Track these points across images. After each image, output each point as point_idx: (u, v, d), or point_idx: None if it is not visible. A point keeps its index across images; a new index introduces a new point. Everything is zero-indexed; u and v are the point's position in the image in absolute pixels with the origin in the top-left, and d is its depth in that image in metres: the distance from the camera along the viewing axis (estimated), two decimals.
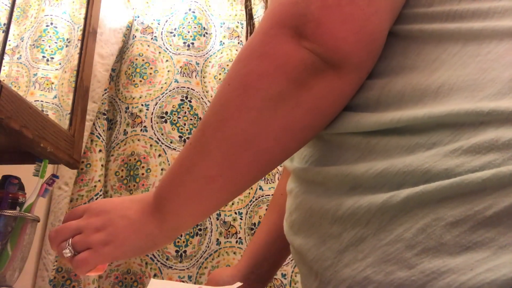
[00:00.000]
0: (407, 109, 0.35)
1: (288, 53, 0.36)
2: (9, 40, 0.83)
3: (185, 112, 1.48)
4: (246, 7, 0.72)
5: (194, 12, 1.60)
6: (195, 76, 1.54)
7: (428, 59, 0.36)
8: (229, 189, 0.41)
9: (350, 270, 0.34)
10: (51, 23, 1.02)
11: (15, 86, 0.87)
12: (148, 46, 1.54)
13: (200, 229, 1.36)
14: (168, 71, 1.52)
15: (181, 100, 1.48)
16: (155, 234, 0.46)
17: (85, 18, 1.09)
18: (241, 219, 1.39)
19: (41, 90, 0.96)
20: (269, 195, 1.38)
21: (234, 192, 0.42)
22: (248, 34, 0.74)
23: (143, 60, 1.52)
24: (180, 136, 1.45)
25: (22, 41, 0.91)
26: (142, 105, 1.46)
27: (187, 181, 0.42)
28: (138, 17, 1.59)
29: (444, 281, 0.28)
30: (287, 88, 0.36)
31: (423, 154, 0.32)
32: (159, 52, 1.55)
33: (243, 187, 0.42)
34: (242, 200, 1.40)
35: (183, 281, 1.27)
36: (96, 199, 1.29)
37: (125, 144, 1.42)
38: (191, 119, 1.48)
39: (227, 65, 1.57)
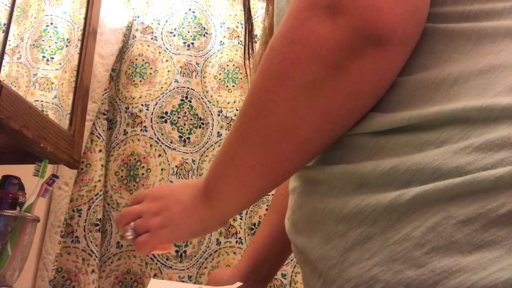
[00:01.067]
0: (418, 107, 0.34)
1: (322, 35, 0.33)
2: (9, 40, 0.83)
3: (185, 112, 1.48)
4: (244, 5, 0.71)
5: (194, 12, 1.60)
6: (195, 76, 1.54)
7: (440, 58, 0.35)
8: (270, 177, 0.41)
9: (356, 269, 0.33)
10: (51, 23, 1.02)
11: (15, 86, 0.87)
12: (148, 46, 1.54)
13: None
14: (168, 71, 1.52)
15: (181, 100, 1.48)
16: (206, 219, 0.48)
17: (85, 18, 1.09)
18: (241, 219, 1.39)
19: (41, 90, 0.96)
20: (269, 195, 1.38)
21: (276, 180, 0.42)
22: (246, 33, 0.74)
23: (143, 60, 1.52)
24: (180, 136, 1.45)
25: (22, 41, 0.91)
26: (142, 105, 1.46)
27: (229, 169, 0.43)
28: (138, 17, 1.59)
29: (456, 280, 0.28)
30: (322, 74, 0.34)
31: (432, 151, 0.32)
32: (159, 52, 1.55)
33: (284, 175, 0.42)
34: None
35: (183, 281, 1.27)
36: (96, 199, 1.30)
37: (125, 144, 1.42)
38: (191, 119, 1.48)
39: (227, 65, 1.57)
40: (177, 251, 1.31)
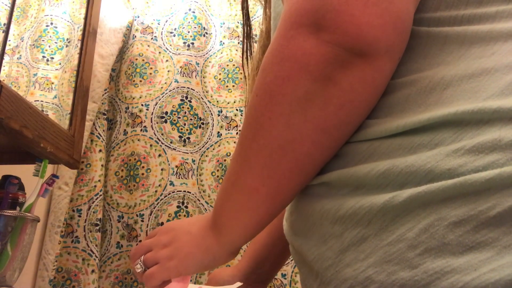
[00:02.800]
0: (412, 112, 0.35)
1: (308, 51, 0.35)
2: (9, 40, 0.83)
3: (185, 112, 1.48)
4: (243, 8, 0.71)
5: (194, 12, 1.60)
6: (195, 76, 1.54)
7: (433, 62, 0.36)
8: (274, 198, 0.41)
9: (351, 270, 0.33)
10: (51, 23, 1.02)
11: (15, 86, 0.87)
12: (148, 46, 1.54)
13: None
14: (168, 71, 1.52)
15: (181, 100, 1.48)
16: (214, 249, 0.47)
17: (85, 18, 1.09)
18: None
19: (41, 90, 0.96)
20: None
21: (281, 202, 0.42)
22: (245, 35, 0.74)
23: (143, 60, 1.52)
24: (180, 136, 1.45)
25: (22, 41, 0.91)
26: (142, 105, 1.46)
27: (233, 194, 0.43)
28: (138, 17, 1.59)
29: (447, 281, 0.28)
30: (313, 88, 0.35)
31: (425, 153, 0.32)
32: (159, 52, 1.55)
33: (289, 195, 0.41)
34: None
35: None
36: (96, 199, 1.30)
37: (125, 144, 1.42)
38: (191, 119, 1.48)
39: (227, 65, 1.57)
40: None
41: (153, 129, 1.43)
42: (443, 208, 0.30)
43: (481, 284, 0.27)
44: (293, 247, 0.45)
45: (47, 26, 1.01)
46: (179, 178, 1.39)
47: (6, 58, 0.82)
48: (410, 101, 0.35)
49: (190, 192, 1.39)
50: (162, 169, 1.39)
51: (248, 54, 0.74)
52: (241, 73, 1.55)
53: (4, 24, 0.80)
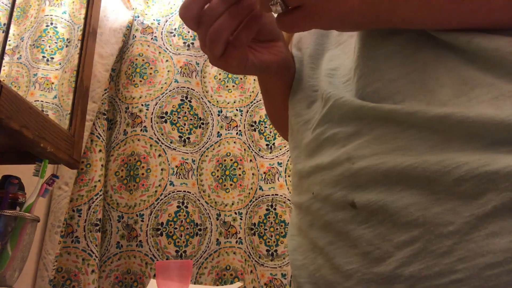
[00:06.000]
0: None
1: None
2: (9, 40, 0.83)
3: (185, 112, 1.48)
4: None
5: None
6: (195, 76, 1.54)
7: None
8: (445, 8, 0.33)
9: (503, 241, 0.27)
10: (51, 23, 1.02)
11: (15, 86, 0.87)
12: (148, 46, 1.54)
13: (200, 229, 1.36)
14: (168, 71, 1.52)
15: (181, 100, 1.48)
16: (355, 4, 0.36)
17: (85, 18, 1.09)
18: (241, 219, 1.39)
19: (41, 90, 0.96)
20: (269, 195, 1.38)
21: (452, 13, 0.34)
22: None
23: (143, 60, 1.52)
24: (180, 136, 1.45)
25: (22, 41, 0.91)
26: (142, 105, 1.46)
27: None
28: (138, 17, 1.59)
29: None
30: None
31: None
32: (159, 52, 1.55)
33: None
34: (242, 200, 1.40)
35: None
36: (96, 199, 1.30)
37: (125, 144, 1.42)
38: (191, 119, 1.48)
39: None
40: (177, 251, 1.31)
41: (153, 129, 1.43)
42: None
43: None
44: (349, 206, 0.37)
45: (47, 26, 1.01)
46: (179, 178, 1.39)
47: (6, 58, 0.82)
48: None
49: (190, 192, 1.39)
50: (162, 169, 1.39)
51: None
52: None
53: (4, 24, 0.80)
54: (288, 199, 1.36)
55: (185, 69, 1.52)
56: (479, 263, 0.28)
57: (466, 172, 0.30)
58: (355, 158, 0.37)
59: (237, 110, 1.52)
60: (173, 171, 1.39)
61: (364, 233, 0.34)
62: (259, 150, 1.45)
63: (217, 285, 1.31)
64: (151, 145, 1.41)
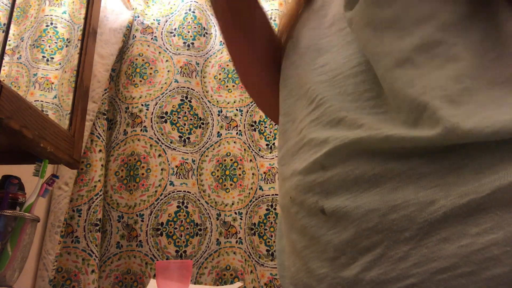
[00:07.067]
0: None
1: None
2: (9, 40, 0.83)
3: (185, 112, 1.48)
4: None
5: (194, 12, 1.60)
6: (195, 76, 1.54)
7: None
8: None
9: (452, 246, 0.28)
10: (51, 23, 1.02)
11: (15, 86, 0.87)
12: (148, 46, 1.54)
13: (200, 229, 1.36)
14: (168, 71, 1.52)
15: (181, 100, 1.48)
16: None
17: (85, 18, 1.09)
18: (241, 219, 1.39)
19: (41, 90, 0.96)
20: (269, 195, 1.38)
21: None
22: None
23: (143, 60, 1.52)
24: (180, 136, 1.45)
25: (22, 41, 0.91)
26: (142, 105, 1.46)
27: None
28: (138, 17, 1.59)
29: None
30: None
31: None
32: (159, 52, 1.55)
33: None
34: (242, 200, 1.40)
35: None
36: (96, 199, 1.30)
37: (125, 144, 1.42)
38: (191, 119, 1.48)
39: (227, 65, 1.57)
40: (177, 251, 1.31)
41: (153, 129, 1.43)
42: None
43: None
44: (318, 210, 0.38)
45: (47, 26, 1.01)
46: (179, 178, 1.39)
47: (6, 58, 0.82)
48: None
49: (190, 192, 1.39)
50: (162, 169, 1.39)
51: None
52: None
53: (4, 24, 0.80)
54: None
55: (185, 69, 1.52)
56: (431, 268, 0.29)
57: None
58: (328, 166, 0.38)
59: (237, 110, 1.52)
60: (173, 171, 1.39)
61: (332, 239, 0.35)
62: (259, 150, 1.45)
63: (217, 285, 1.31)
64: (151, 145, 1.41)
